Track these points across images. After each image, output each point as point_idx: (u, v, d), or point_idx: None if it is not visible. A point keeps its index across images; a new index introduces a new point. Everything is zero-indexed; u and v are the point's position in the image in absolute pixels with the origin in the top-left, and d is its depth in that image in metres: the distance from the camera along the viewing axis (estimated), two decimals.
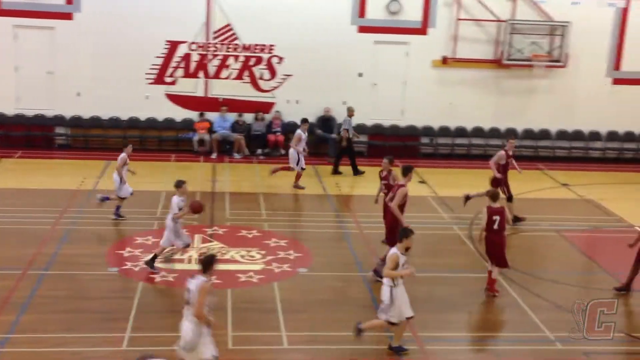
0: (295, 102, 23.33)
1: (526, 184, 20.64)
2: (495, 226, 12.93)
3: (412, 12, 23.20)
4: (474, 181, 20.83)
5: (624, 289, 13.63)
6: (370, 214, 16.56)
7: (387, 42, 23.29)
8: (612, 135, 24.20)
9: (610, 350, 11.65)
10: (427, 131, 23.89)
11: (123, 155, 16.48)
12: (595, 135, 24.11)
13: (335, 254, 15.26)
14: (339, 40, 23.04)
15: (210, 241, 15.43)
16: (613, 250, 16.06)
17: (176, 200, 13.70)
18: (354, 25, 23.20)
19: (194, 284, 9.34)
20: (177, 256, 14.20)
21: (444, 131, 23.88)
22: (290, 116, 23.38)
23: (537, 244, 16.63)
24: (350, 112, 21.46)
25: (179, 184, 13.81)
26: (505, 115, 23.86)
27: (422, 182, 20.59)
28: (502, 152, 17.09)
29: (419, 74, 23.48)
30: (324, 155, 22.96)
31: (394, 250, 10.81)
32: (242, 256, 14.71)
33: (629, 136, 24.20)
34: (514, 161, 17.40)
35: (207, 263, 9.52)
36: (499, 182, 16.55)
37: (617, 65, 23.95)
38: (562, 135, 24.06)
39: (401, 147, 23.42)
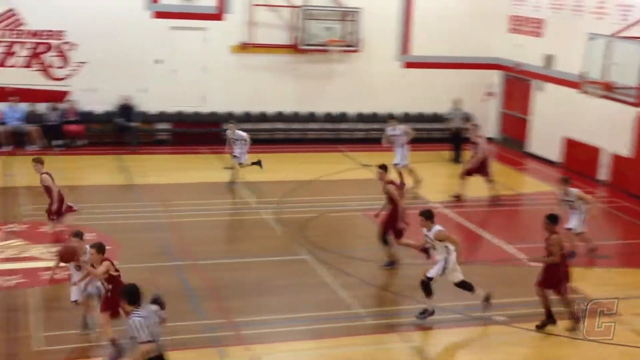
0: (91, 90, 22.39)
1: (329, 166, 21.21)
2: None
3: None
4: (277, 165, 21.21)
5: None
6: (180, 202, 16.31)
7: (183, 27, 22.91)
8: (406, 117, 25.31)
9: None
10: (230, 117, 23.82)
11: None
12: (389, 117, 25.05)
13: (144, 244, 14.88)
14: (133, 26, 22.41)
15: (11, 239, 14.59)
16: (412, 225, 16.85)
17: None
18: (149, 10, 22.65)
19: None
20: None
21: (247, 117, 23.93)
22: (88, 105, 22.46)
23: (344, 224, 17.10)
24: None
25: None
26: (305, 99, 24.29)
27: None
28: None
29: (218, 59, 23.32)
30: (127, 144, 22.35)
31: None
32: (43, 253, 14.02)
33: (420, 117, 25.46)
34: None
35: None
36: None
37: (405, 50, 25.10)
38: (360, 117, 24.89)
39: (204, 133, 23.26)
